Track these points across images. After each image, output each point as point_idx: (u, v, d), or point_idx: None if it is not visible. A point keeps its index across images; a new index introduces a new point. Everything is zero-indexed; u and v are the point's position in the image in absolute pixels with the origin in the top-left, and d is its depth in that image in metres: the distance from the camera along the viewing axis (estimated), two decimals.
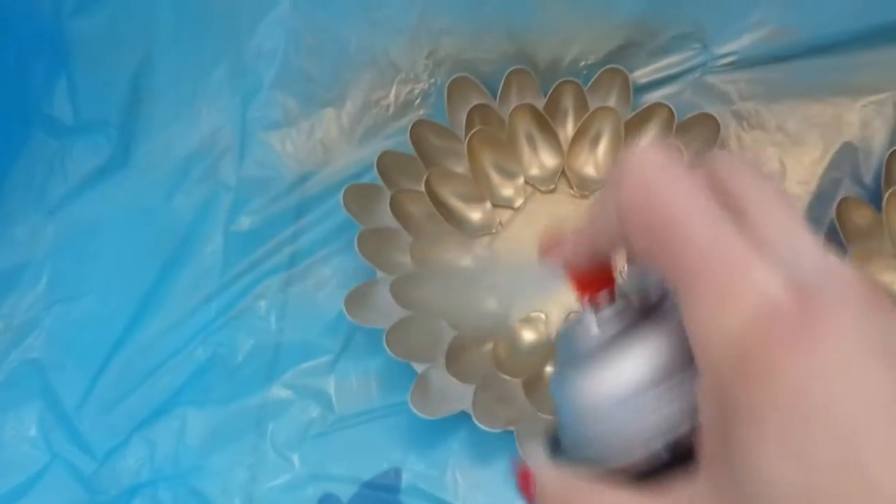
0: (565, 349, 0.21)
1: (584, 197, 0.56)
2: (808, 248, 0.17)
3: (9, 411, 0.53)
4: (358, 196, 0.54)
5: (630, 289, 0.21)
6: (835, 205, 0.53)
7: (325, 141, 0.58)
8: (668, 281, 0.18)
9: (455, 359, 0.50)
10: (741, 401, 0.16)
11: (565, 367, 0.21)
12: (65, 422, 0.53)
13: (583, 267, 0.22)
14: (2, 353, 0.54)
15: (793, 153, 0.56)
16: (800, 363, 0.15)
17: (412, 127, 0.55)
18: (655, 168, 0.18)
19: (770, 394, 0.16)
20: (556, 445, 0.22)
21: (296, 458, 0.51)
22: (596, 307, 0.21)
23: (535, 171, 0.57)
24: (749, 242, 0.17)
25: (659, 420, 0.19)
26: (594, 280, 0.22)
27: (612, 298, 0.21)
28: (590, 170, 0.56)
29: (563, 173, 0.56)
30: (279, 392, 0.53)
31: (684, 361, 0.19)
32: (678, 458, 0.19)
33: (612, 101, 0.56)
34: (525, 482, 0.22)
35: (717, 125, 0.54)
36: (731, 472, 0.17)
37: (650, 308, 0.21)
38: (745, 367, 0.16)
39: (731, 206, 0.18)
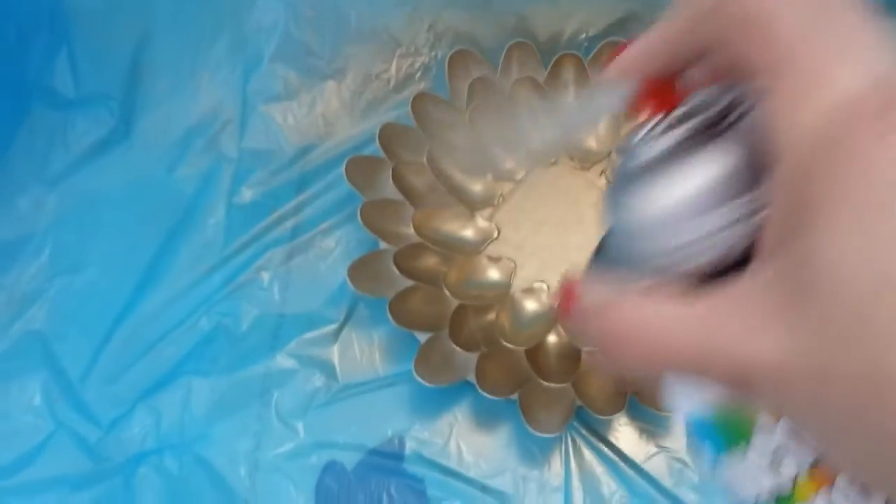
0: (625, 162, 0.20)
1: (585, 169, 0.56)
2: (892, 51, 0.17)
3: (13, 381, 0.53)
4: (360, 168, 0.55)
5: (697, 108, 0.20)
6: None
7: (326, 114, 0.58)
8: (749, 79, 0.18)
9: (458, 328, 0.51)
10: (816, 189, 0.16)
11: (623, 180, 0.20)
12: (69, 391, 0.53)
13: (649, 78, 0.20)
14: (5, 323, 0.54)
15: None
16: (880, 152, 0.15)
17: (413, 99, 0.55)
18: None
19: (847, 180, 0.15)
20: (603, 262, 0.22)
21: (300, 427, 0.52)
22: (661, 119, 0.20)
23: (536, 143, 0.57)
24: (837, 40, 0.17)
25: (714, 237, 0.18)
26: (661, 92, 0.20)
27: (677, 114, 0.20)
28: (591, 142, 0.57)
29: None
30: (283, 361, 0.53)
31: (749, 183, 0.18)
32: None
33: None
34: (567, 296, 0.22)
35: None
36: (796, 262, 0.16)
37: (717, 128, 0.20)
38: (825, 155, 0.16)
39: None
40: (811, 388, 0.16)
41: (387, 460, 0.51)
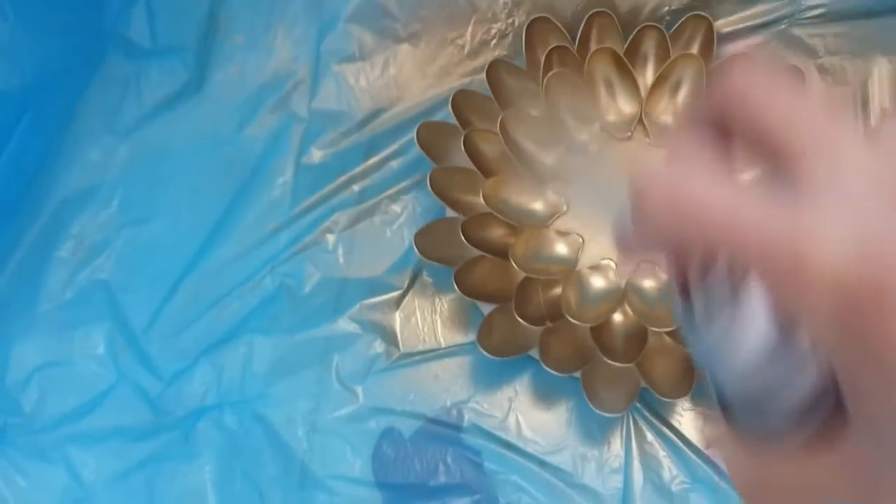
0: (690, 326, 0.21)
1: (660, 146, 0.55)
2: (863, 188, 0.16)
3: (77, 329, 0.53)
4: (431, 134, 0.54)
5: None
6: None
7: (398, 77, 0.58)
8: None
9: (523, 301, 0.50)
10: (854, 371, 0.16)
11: (699, 343, 0.21)
12: (132, 343, 0.53)
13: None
14: (72, 272, 0.55)
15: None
16: (888, 329, 0.15)
17: (489, 66, 0.54)
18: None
19: (876, 365, 0.15)
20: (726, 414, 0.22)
21: (360, 391, 0.52)
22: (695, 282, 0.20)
23: (611, 117, 0.56)
24: (803, 209, 0.16)
25: (792, 378, 0.19)
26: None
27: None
28: (668, 118, 0.55)
29: (640, 121, 0.55)
30: (345, 325, 0.53)
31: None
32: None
33: (694, 49, 0.55)
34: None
35: (803, 78, 0.53)
36: (874, 430, 0.17)
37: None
38: (843, 339, 0.16)
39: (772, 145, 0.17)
40: None
41: (445, 430, 0.51)
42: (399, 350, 0.53)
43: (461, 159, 0.53)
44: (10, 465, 0.51)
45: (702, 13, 0.55)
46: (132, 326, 0.53)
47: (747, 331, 0.19)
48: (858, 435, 0.17)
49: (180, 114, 0.57)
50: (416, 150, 0.53)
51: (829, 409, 0.18)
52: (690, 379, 0.48)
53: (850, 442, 0.18)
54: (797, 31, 0.56)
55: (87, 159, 0.57)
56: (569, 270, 0.52)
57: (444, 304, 0.54)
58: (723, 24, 0.56)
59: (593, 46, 0.55)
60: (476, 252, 0.51)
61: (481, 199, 0.52)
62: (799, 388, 0.19)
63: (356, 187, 0.56)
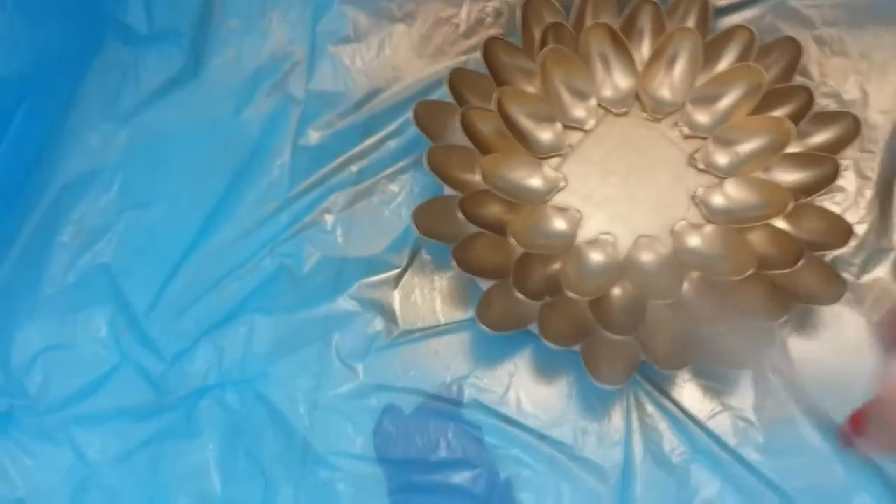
0: None
1: (657, 120, 0.55)
2: None
3: (80, 312, 0.54)
4: (428, 112, 0.54)
5: None
6: None
7: (394, 57, 0.58)
8: None
9: (522, 276, 0.50)
10: None
11: None
12: (134, 325, 0.54)
13: None
14: (73, 256, 0.55)
15: (876, 81, 0.55)
16: None
17: (485, 44, 0.54)
18: None
19: None
20: None
21: (360, 369, 0.52)
22: None
23: (608, 92, 0.56)
24: None
25: None
26: None
27: None
28: (665, 92, 0.55)
29: (636, 96, 0.55)
30: (345, 304, 0.53)
31: None
32: None
33: (690, 23, 0.55)
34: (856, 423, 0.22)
35: (800, 49, 0.53)
36: None
37: None
38: None
39: None
40: None
41: (446, 406, 0.51)
42: (399, 327, 0.53)
43: (458, 138, 0.53)
44: (17, 446, 0.52)
45: None
46: (134, 309, 0.54)
47: None
48: None
49: (178, 98, 0.58)
50: (414, 129, 0.53)
51: None
52: (690, 350, 0.48)
53: None
54: (793, 3, 0.56)
55: (87, 145, 0.57)
56: (567, 245, 0.52)
57: (442, 281, 0.54)
58: None
59: (589, 22, 0.55)
60: (474, 229, 0.51)
61: (479, 177, 0.52)
62: None
63: (354, 167, 0.56)
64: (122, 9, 0.57)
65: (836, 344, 0.51)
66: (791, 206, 0.49)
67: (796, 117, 0.51)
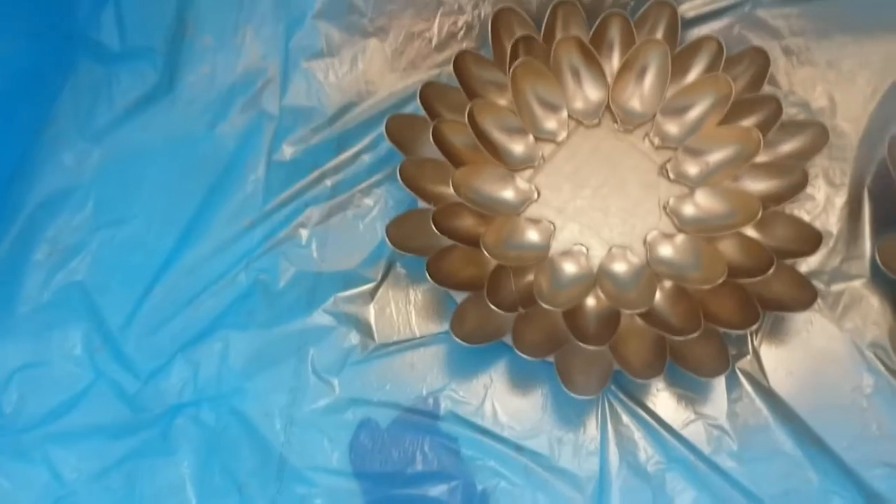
0: None
1: (627, 132, 0.55)
2: None
3: (54, 330, 0.54)
4: (401, 126, 0.54)
5: None
6: (886, 142, 0.53)
7: (367, 72, 0.58)
8: None
9: (496, 288, 0.50)
10: None
11: None
12: (109, 342, 0.54)
13: None
14: (48, 274, 0.55)
15: (843, 90, 0.55)
16: None
17: (456, 58, 0.54)
18: None
19: None
20: None
21: (336, 383, 0.52)
22: None
23: (579, 104, 0.56)
24: None
25: None
26: None
27: None
28: (635, 104, 0.55)
29: (607, 107, 0.56)
30: (320, 318, 0.53)
31: None
32: None
33: (659, 35, 0.55)
34: None
35: (767, 60, 0.53)
36: None
37: None
38: None
39: None
40: None
41: (422, 419, 0.51)
42: (374, 341, 0.53)
43: (431, 151, 0.53)
44: None
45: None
46: (109, 326, 0.54)
47: None
48: None
49: (152, 116, 0.58)
50: (387, 143, 0.54)
51: None
52: (663, 359, 0.48)
53: None
54: (761, 13, 0.57)
55: (61, 163, 0.57)
56: (540, 257, 0.53)
57: (417, 294, 0.54)
58: (687, 9, 0.56)
59: (559, 35, 0.56)
60: (448, 241, 0.51)
61: (451, 190, 0.52)
62: None
63: (328, 182, 0.56)
64: (95, 27, 0.57)
65: (807, 351, 0.51)
66: (761, 214, 0.49)
67: (765, 127, 0.52)
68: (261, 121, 0.57)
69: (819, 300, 0.51)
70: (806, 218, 0.53)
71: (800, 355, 0.51)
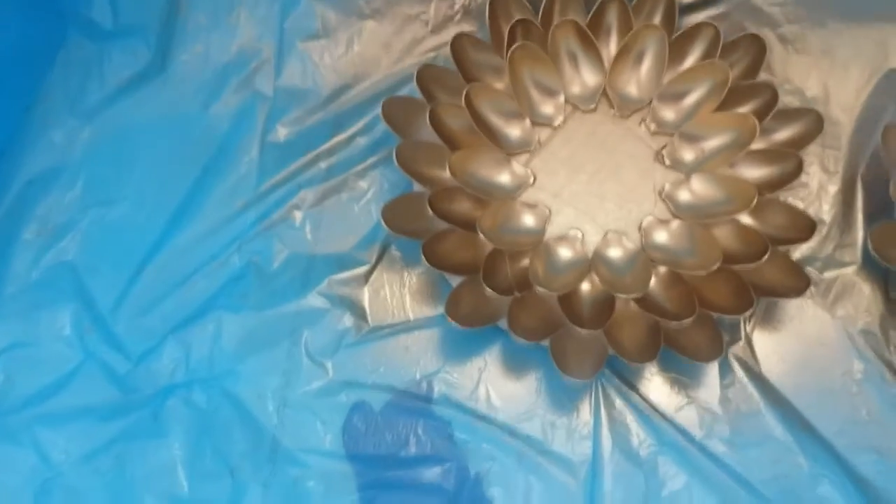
0: None
1: (624, 117, 0.55)
2: None
3: (43, 310, 0.53)
4: (396, 109, 0.54)
5: None
6: (879, 131, 0.53)
7: (363, 54, 0.58)
8: None
9: (491, 272, 0.50)
10: None
11: None
12: (99, 323, 0.53)
13: None
14: (37, 254, 0.54)
15: (838, 79, 0.55)
16: None
17: (453, 40, 0.54)
18: None
19: None
20: None
21: (329, 366, 0.52)
22: None
23: (576, 89, 0.56)
24: None
25: None
26: None
27: None
28: (632, 89, 0.55)
29: (604, 92, 0.56)
30: (314, 301, 0.53)
31: None
32: None
33: (656, 20, 0.55)
34: None
35: (764, 47, 0.53)
36: None
37: None
38: None
39: None
40: None
41: (415, 402, 0.51)
42: (368, 324, 0.53)
43: (427, 134, 0.53)
44: None
45: None
46: (99, 307, 0.53)
47: None
48: None
49: (144, 95, 0.57)
50: (383, 126, 0.53)
51: None
52: (657, 344, 0.48)
53: None
54: (757, 1, 0.57)
55: (51, 141, 0.56)
56: (536, 241, 0.53)
57: (412, 277, 0.54)
58: None
59: (556, 19, 0.56)
60: (443, 225, 0.51)
61: (448, 173, 0.52)
62: None
63: (323, 164, 0.56)
64: (86, 3, 0.57)
65: (799, 337, 0.52)
66: (756, 201, 0.49)
67: (761, 114, 0.52)
68: (255, 101, 0.57)
69: (811, 287, 0.51)
70: (800, 205, 0.53)
71: (792, 341, 0.51)
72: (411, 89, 0.54)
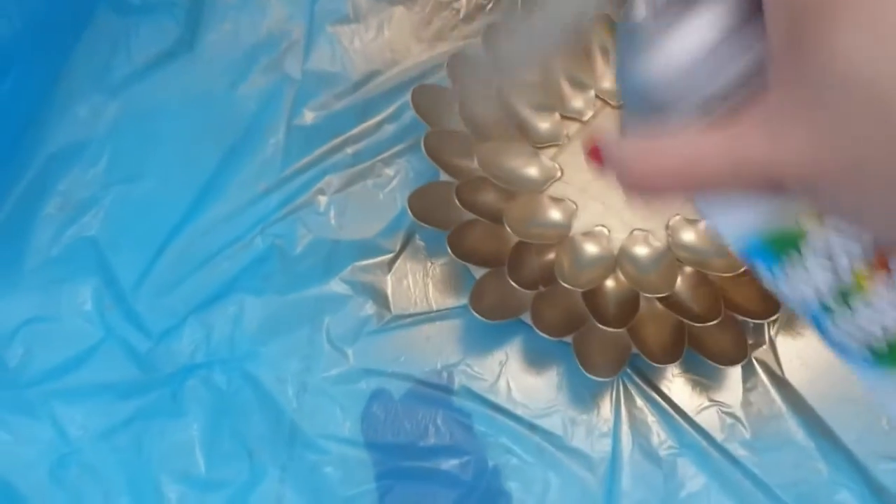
0: (625, 29, 0.22)
1: None
2: None
3: (64, 285, 0.53)
4: (426, 97, 0.53)
5: None
6: None
7: (393, 40, 0.57)
8: None
9: (516, 265, 0.50)
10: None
11: (628, 45, 0.22)
12: (121, 300, 0.53)
13: None
14: (59, 229, 0.54)
15: None
16: None
17: (486, 30, 0.54)
18: None
19: None
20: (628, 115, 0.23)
21: (350, 353, 0.52)
22: None
23: (607, 83, 0.56)
24: None
25: (723, 74, 0.20)
26: None
27: None
28: None
29: None
30: (336, 287, 0.53)
31: (743, 19, 0.20)
32: None
33: None
34: (595, 153, 0.23)
35: None
36: (804, 74, 0.17)
37: None
38: None
39: None
40: (842, 174, 0.18)
41: (435, 392, 0.51)
42: (390, 312, 0.53)
43: (456, 123, 0.53)
44: None
45: None
46: (120, 284, 0.53)
47: (689, 25, 0.20)
48: (782, 92, 0.18)
49: (171, 72, 0.57)
50: (411, 113, 0.53)
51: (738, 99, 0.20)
52: (681, 345, 0.48)
53: (762, 108, 0.19)
54: None
55: (76, 116, 0.56)
56: (562, 236, 0.52)
57: (436, 267, 0.54)
58: None
59: None
60: (469, 216, 0.51)
61: (475, 164, 0.52)
62: (725, 77, 0.20)
63: (349, 150, 0.55)
64: None
65: (822, 343, 0.51)
66: None
67: None
68: (282, 84, 0.56)
69: None
70: None
71: (815, 347, 0.51)
72: (440, 77, 0.54)
